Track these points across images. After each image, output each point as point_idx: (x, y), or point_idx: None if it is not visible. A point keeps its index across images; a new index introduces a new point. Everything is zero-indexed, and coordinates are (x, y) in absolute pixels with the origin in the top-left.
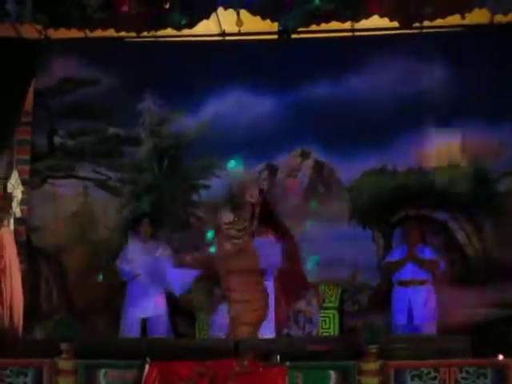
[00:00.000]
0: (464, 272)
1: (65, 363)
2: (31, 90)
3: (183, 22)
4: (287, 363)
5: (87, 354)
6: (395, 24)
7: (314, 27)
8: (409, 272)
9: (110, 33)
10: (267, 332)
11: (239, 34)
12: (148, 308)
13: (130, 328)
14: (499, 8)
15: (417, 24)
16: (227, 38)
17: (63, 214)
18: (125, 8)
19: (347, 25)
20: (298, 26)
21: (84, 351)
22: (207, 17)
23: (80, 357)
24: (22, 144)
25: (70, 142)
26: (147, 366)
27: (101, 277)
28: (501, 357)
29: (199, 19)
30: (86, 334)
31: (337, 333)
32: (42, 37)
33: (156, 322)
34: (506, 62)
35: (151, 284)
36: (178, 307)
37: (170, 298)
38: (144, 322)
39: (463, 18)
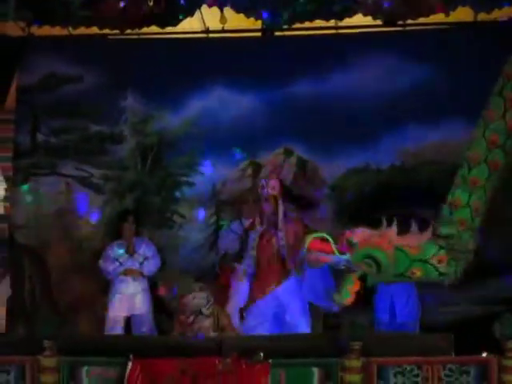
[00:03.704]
0: None
1: (47, 360)
2: (14, 87)
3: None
4: (270, 360)
5: (70, 352)
6: (379, 22)
7: (297, 25)
8: None
9: (94, 30)
10: None
11: (223, 31)
12: (132, 306)
13: (114, 326)
14: (482, 6)
15: (400, 22)
16: (211, 35)
17: (46, 212)
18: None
19: (331, 22)
20: (282, 24)
21: (67, 348)
22: (191, 14)
23: (63, 354)
24: (5, 142)
25: (52, 140)
26: (130, 363)
27: None
28: (484, 354)
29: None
30: (70, 331)
31: (320, 330)
32: (26, 34)
33: (140, 320)
34: (489, 59)
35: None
36: (161, 305)
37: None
38: (128, 320)
39: (447, 15)
